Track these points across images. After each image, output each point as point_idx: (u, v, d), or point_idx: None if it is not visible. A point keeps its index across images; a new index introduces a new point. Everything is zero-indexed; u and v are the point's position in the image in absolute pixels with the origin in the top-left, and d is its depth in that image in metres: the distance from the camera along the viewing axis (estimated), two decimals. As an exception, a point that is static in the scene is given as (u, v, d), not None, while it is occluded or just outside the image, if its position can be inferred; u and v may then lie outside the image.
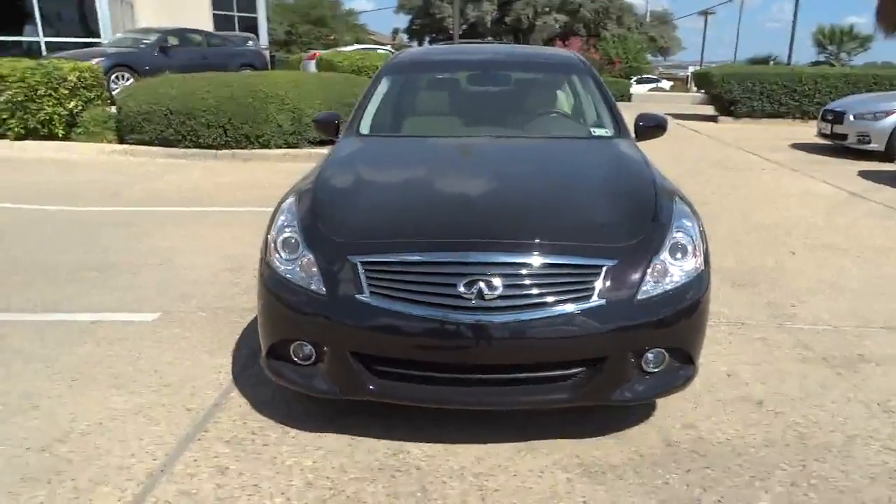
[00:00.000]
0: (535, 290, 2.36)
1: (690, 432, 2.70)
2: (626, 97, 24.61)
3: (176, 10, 21.85)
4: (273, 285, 2.58)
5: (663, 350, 2.49)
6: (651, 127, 3.81)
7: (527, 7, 35.02)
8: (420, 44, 41.90)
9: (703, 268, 2.60)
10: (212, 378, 3.17)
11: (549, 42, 33.88)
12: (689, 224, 2.68)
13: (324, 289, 2.47)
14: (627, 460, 2.52)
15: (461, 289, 2.34)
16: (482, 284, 2.33)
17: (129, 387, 3.09)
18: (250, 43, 19.66)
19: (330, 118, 3.89)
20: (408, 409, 2.68)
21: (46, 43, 15.92)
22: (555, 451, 2.57)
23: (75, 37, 16.26)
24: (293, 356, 2.58)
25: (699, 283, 2.56)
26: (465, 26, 40.77)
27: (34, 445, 2.62)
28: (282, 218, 2.75)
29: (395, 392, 2.48)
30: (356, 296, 2.42)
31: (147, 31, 14.98)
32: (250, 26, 25.69)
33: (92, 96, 10.25)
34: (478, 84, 4.29)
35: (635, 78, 32.33)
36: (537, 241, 2.45)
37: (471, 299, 2.33)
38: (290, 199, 2.85)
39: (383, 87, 4.07)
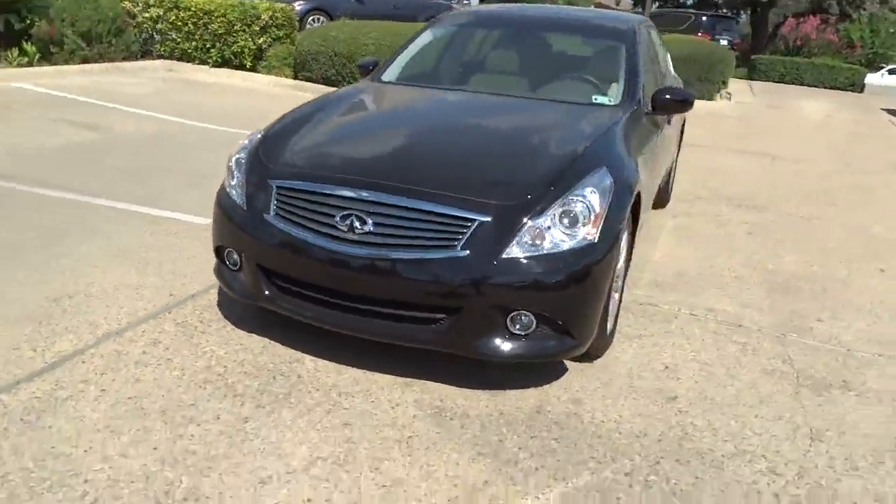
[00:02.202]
0: (403, 232, 2.50)
1: (570, 406, 2.67)
2: (858, 87, 21.66)
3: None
4: (219, 198, 2.97)
5: (530, 314, 2.49)
6: (674, 101, 3.62)
7: (771, -21, 31.88)
8: (644, 8, 39.84)
9: (595, 240, 2.53)
10: (208, 275, 3.66)
11: (784, 20, 30.63)
12: (593, 194, 2.60)
13: (246, 205, 2.79)
14: (484, 414, 2.57)
15: (338, 220, 2.54)
16: (355, 219, 2.51)
17: (146, 269, 3.67)
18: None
19: (369, 63, 4.16)
20: (339, 333, 2.89)
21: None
22: (426, 392, 2.69)
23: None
24: (226, 260, 2.96)
25: (584, 255, 2.51)
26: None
27: (50, 296, 3.27)
28: (243, 143, 3.11)
29: (282, 303, 2.76)
30: (264, 214, 2.72)
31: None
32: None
33: (280, 34, 11.40)
34: (515, 43, 4.28)
35: (887, 67, 28.24)
36: (419, 187, 2.56)
37: (345, 230, 2.52)
38: (258, 131, 3.20)
39: (425, 38, 4.24)
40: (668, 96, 3.63)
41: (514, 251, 2.46)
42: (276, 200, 2.72)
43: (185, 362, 2.79)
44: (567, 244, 2.50)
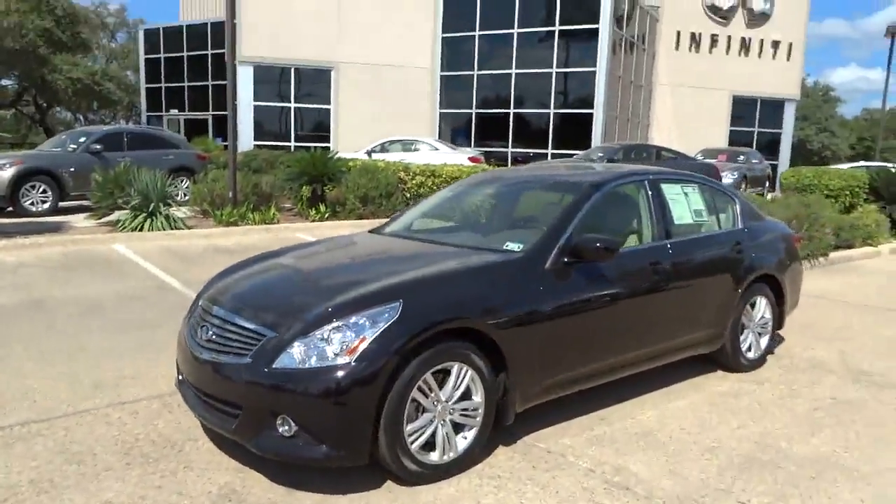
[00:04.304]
0: (224, 341, 3.22)
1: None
2: None
3: (693, 126, 23.60)
4: None
5: (290, 419, 2.91)
6: (595, 248, 3.61)
7: None
8: None
9: (352, 362, 2.87)
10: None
11: None
12: (364, 322, 2.98)
13: (185, 319, 3.78)
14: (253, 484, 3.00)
15: (198, 328, 3.36)
16: (204, 329, 3.32)
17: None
18: (741, 157, 19.69)
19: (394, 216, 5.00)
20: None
21: (552, 154, 19.72)
22: (241, 478, 3.20)
23: (574, 149, 19.62)
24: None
25: (337, 374, 2.88)
26: None
27: (122, 374, 4.61)
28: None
29: (181, 390, 3.59)
30: (184, 323, 3.67)
31: (614, 145, 17.06)
32: (772, 142, 25.37)
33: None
34: (494, 199, 4.64)
35: None
36: (245, 308, 3.27)
37: (199, 336, 3.34)
38: None
39: (438, 196, 4.92)
40: (583, 245, 3.65)
41: (283, 363, 2.95)
42: (196, 314, 3.65)
43: (131, 428, 3.76)
44: (326, 363, 2.90)
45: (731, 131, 25.05)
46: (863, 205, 13.83)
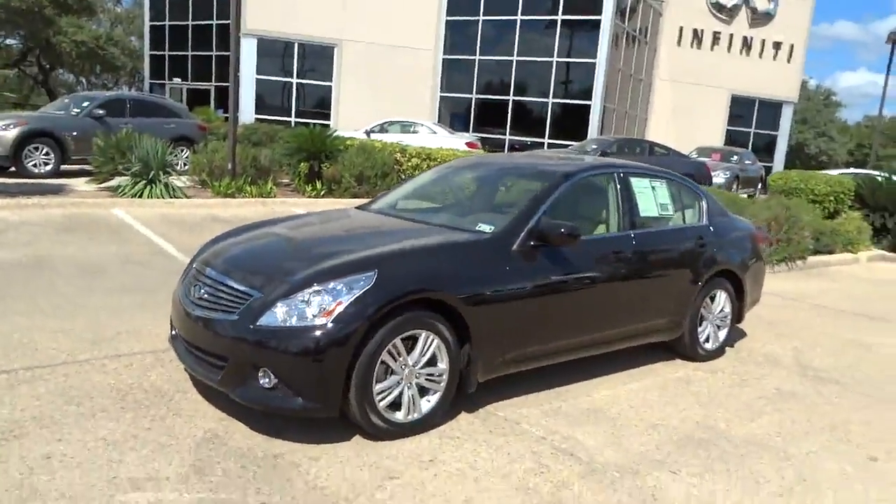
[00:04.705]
0: (214, 299, 3.54)
1: (301, 459, 3.25)
2: None
3: (690, 123, 23.84)
4: None
5: (271, 372, 3.23)
6: (559, 233, 3.93)
7: None
8: None
9: (328, 324, 3.19)
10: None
11: None
12: (341, 288, 3.29)
13: (179, 280, 4.09)
14: (236, 449, 3.33)
15: (191, 287, 3.68)
16: (197, 287, 3.63)
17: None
18: (734, 158, 19.98)
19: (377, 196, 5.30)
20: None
21: (549, 143, 19.98)
22: (225, 425, 3.54)
23: (572, 140, 19.89)
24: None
25: (315, 333, 3.19)
26: None
27: (121, 329, 4.93)
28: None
29: (173, 344, 3.91)
30: (179, 284, 3.98)
31: (608, 138, 17.34)
32: (768, 143, 25.64)
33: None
34: (475, 184, 4.95)
35: None
36: (236, 271, 3.58)
37: (192, 295, 3.66)
38: None
39: (423, 177, 5.22)
40: (561, 230, 3.95)
41: (266, 321, 3.28)
42: (190, 275, 3.96)
43: (126, 378, 4.09)
44: (304, 323, 3.23)
45: (728, 130, 25.34)
46: (847, 211, 14.14)
